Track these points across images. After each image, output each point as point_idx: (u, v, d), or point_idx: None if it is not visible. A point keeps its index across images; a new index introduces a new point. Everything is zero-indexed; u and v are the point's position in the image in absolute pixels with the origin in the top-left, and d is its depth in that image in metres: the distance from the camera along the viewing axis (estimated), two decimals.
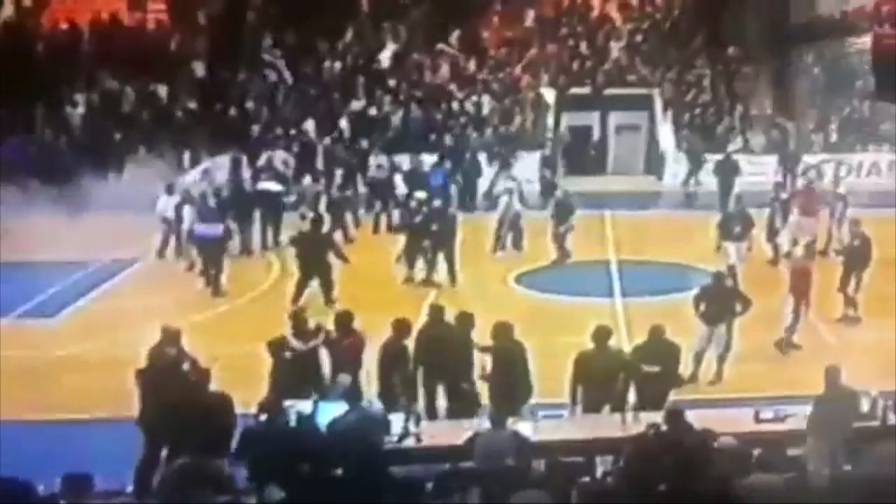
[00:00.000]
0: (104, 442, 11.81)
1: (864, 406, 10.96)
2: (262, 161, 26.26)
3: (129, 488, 10.06)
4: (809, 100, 31.01)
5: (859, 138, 29.95)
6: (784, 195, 21.65)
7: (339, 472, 8.95)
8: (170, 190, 21.72)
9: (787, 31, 31.10)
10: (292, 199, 23.79)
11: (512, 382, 11.91)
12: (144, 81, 30.34)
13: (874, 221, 19.20)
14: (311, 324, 12.65)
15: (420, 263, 19.78)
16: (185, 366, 11.47)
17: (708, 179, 26.81)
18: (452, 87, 31.17)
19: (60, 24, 32.70)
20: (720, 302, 14.57)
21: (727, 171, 25.35)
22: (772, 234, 20.58)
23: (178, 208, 21.02)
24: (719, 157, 26.42)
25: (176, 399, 10.72)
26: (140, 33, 32.85)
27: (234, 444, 10.13)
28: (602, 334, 12.09)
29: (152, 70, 30.59)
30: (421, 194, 21.50)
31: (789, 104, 30.93)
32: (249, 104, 30.30)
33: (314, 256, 18.23)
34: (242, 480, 9.69)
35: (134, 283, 19.83)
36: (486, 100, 30.68)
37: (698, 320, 14.57)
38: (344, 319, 12.64)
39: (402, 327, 12.36)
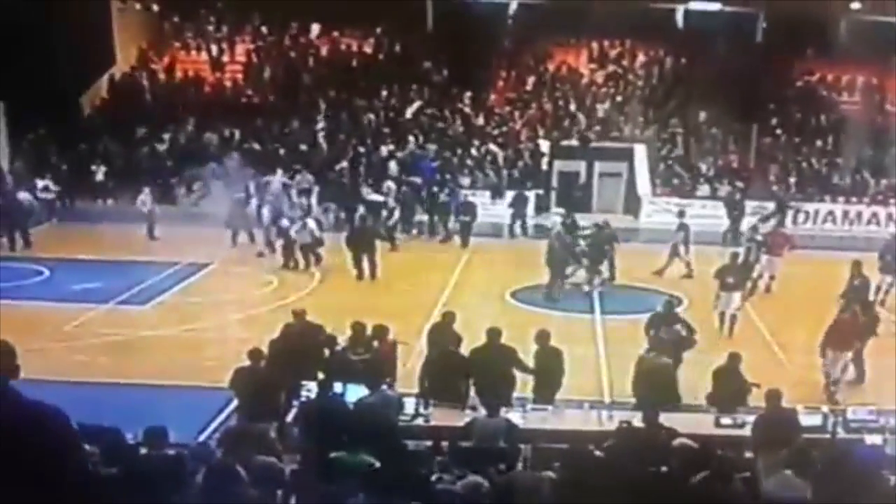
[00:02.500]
0: (178, 404, 12.14)
1: (814, 421, 10.51)
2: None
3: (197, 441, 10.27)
4: (770, 156, 30.73)
5: (816, 190, 29.53)
6: (759, 237, 20.87)
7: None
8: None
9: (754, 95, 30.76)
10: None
11: (496, 380, 11.62)
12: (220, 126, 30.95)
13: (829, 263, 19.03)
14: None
15: None
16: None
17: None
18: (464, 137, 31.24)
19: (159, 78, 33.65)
20: (669, 330, 13.38)
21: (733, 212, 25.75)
22: (748, 268, 19.33)
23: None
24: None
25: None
26: (219, 88, 33.57)
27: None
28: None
29: (227, 117, 31.27)
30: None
31: (751, 159, 30.78)
32: (303, 146, 30.57)
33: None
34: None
35: (207, 282, 20.19)
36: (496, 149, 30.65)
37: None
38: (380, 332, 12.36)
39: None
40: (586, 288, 19.94)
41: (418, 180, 27.79)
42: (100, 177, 28.89)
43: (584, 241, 20.55)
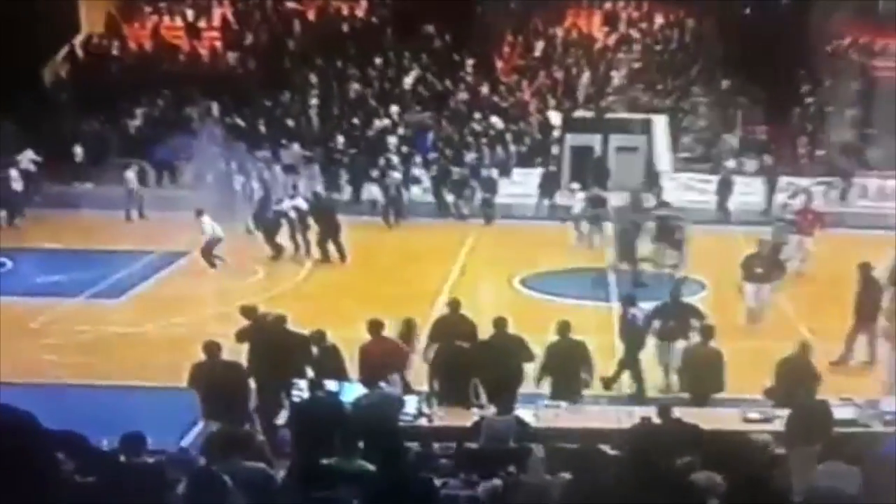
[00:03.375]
0: (156, 407, 12.04)
1: (851, 414, 10.66)
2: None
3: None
4: (800, 127, 30.67)
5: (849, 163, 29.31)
6: (789, 215, 20.90)
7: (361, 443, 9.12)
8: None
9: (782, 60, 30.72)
10: None
11: (501, 372, 11.73)
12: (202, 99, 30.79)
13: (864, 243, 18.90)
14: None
15: None
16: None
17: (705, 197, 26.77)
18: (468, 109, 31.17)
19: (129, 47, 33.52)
20: (678, 319, 13.55)
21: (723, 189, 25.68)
22: (776, 250, 19.06)
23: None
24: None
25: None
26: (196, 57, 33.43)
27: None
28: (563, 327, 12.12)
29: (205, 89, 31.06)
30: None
31: (780, 131, 30.69)
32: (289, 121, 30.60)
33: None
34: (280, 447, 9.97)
35: (186, 273, 20.22)
36: (498, 121, 30.63)
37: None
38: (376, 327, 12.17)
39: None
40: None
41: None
42: (78, 158, 28.70)
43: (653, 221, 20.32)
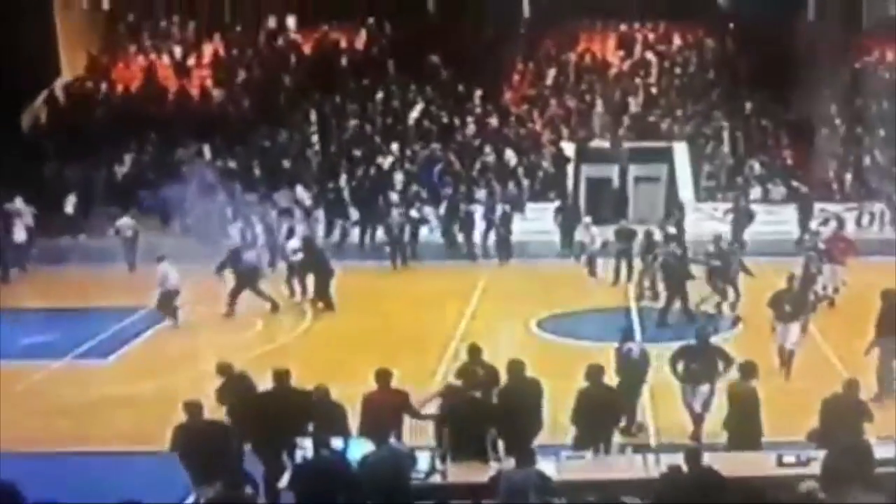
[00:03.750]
0: (151, 473, 12.05)
1: (886, 453, 10.56)
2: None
3: None
4: (829, 150, 30.73)
5: (878, 186, 29.41)
6: (821, 244, 20.88)
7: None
8: None
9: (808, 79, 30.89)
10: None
11: (520, 420, 11.69)
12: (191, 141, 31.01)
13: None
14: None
15: None
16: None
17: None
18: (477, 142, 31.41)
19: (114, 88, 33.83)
20: (703, 361, 13.55)
21: (741, 218, 25.54)
22: (808, 281, 19.17)
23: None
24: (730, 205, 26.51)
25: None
26: (186, 97, 33.70)
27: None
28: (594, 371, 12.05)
29: (197, 131, 31.34)
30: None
31: (808, 155, 30.75)
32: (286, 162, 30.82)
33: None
34: None
35: (178, 329, 20.13)
36: (511, 154, 30.85)
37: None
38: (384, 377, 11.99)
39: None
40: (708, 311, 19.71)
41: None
42: (69, 209, 28.80)
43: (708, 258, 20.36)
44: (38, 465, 11.73)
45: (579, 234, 24.87)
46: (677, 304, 19.70)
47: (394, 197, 27.83)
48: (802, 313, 16.86)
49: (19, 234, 25.11)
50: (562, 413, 12.33)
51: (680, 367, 13.66)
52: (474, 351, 13.02)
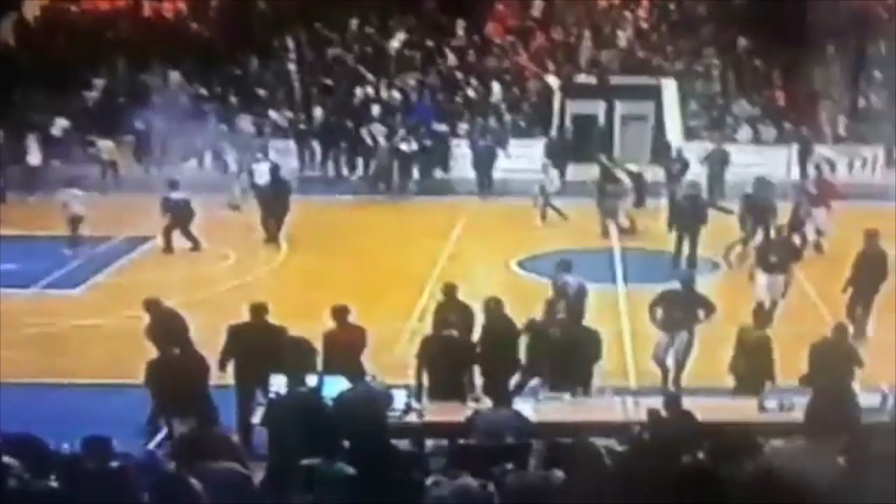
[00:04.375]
0: (121, 406, 12.12)
1: (871, 401, 10.58)
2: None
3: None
4: (823, 91, 30.64)
5: (872, 130, 29.33)
6: (812, 188, 20.97)
7: (345, 443, 9.13)
8: None
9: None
10: None
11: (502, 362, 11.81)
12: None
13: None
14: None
15: None
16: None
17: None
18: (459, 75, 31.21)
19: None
20: (683, 308, 13.29)
21: (717, 162, 25.28)
22: (798, 224, 19.35)
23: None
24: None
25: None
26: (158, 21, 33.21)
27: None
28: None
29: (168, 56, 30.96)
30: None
31: (801, 96, 30.70)
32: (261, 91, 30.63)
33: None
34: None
35: (148, 260, 20.18)
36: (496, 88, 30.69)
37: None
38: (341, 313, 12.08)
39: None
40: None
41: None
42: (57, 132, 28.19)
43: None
44: (5, 397, 11.67)
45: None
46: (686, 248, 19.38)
47: (380, 128, 27.64)
48: (788, 265, 16.05)
49: (33, 157, 25.23)
50: None
51: (659, 313, 13.38)
52: (449, 289, 13.02)
